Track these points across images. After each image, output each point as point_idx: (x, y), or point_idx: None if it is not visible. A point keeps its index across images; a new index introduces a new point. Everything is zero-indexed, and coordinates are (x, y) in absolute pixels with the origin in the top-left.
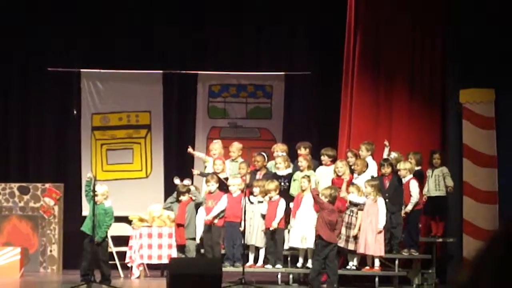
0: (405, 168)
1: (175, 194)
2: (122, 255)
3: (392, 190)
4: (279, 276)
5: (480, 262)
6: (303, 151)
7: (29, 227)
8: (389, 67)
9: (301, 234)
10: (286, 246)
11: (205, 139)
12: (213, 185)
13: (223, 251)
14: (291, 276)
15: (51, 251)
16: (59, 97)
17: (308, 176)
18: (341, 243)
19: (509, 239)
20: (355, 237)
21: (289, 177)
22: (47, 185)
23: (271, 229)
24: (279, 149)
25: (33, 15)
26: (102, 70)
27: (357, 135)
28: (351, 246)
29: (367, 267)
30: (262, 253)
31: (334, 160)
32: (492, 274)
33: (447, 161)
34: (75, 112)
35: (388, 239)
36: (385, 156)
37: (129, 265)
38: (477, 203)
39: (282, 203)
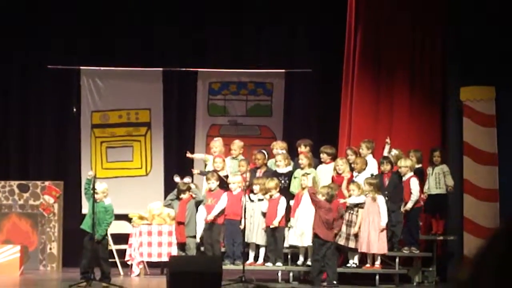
0: (406, 165)
1: (175, 192)
2: (122, 253)
3: (391, 188)
4: (279, 274)
5: (481, 260)
6: (303, 148)
7: (28, 225)
8: (390, 65)
9: (301, 231)
10: (286, 244)
11: (205, 137)
12: (214, 183)
13: (223, 249)
14: (291, 274)
15: (50, 249)
16: (59, 95)
17: (308, 174)
18: (341, 241)
19: (510, 237)
20: (356, 235)
21: (289, 175)
22: (46, 183)
23: (271, 227)
24: (279, 147)
25: (33, 15)
26: (102, 68)
27: (357, 133)
28: (351, 244)
29: (368, 265)
30: (262, 251)
31: (333, 158)
32: (493, 271)
33: (448, 159)
34: (74, 109)
35: (389, 237)
36: (385, 153)
37: (129, 263)
38: (478, 201)
39: (283, 201)
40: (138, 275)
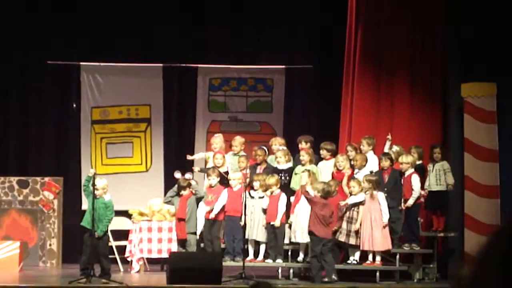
0: (407, 162)
1: (175, 188)
2: (122, 249)
3: (391, 185)
4: (279, 270)
5: (483, 257)
6: (304, 145)
7: (28, 221)
8: (390, 62)
9: (301, 228)
10: (286, 241)
11: (205, 133)
12: (214, 179)
13: (223, 246)
14: (291, 270)
15: (50, 245)
16: (59, 91)
17: (309, 170)
18: (342, 238)
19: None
20: (356, 232)
21: (289, 171)
22: (46, 179)
23: (273, 224)
24: (278, 143)
25: (33, 14)
26: (102, 64)
27: (358, 129)
28: (352, 241)
29: (368, 262)
30: (262, 247)
31: (333, 154)
32: (495, 269)
33: (449, 155)
34: (74, 105)
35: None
36: (386, 149)
37: (129, 259)
38: (479, 197)
39: (283, 197)
40: (138, 271)
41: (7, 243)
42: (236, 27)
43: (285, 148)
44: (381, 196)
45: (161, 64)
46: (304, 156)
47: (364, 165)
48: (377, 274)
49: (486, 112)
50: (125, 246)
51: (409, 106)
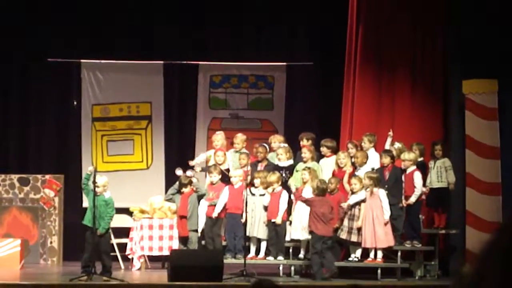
0: (410, 159)
1: (176, 186)
2: (122, 247)
3: (392, 182)
4: (280, 268)
5: (486, 255)
6: (305, 142)
7: (29, 218)
8: (391, 59)
9: (301, 225)
10: (287, 238)
11: (206, 130)
12: (216, 176)
13: (224, 243)
14: (292, 268)
15: (51, 242)
16: (59, 88)
17: (309, 168)
18: (344, 235)
19: None
20: (359, 229)
21: (290, 169)
22: (47, 176)
23: (274, 221)
24: (277, 140)
25: (34, 13)
26: (102, 61)
27: (359, 127)
28: (354, 238)
29: (370, 259)
30: (263, 245)
31: (333, 151)
32: (498, 266)
33: (450, 152)
34: (75, 103)
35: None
36: (387, 146)
37: (130, 256)
38: (480, 195)
39: (285, 195)
40: (139, 269)
41: (8, 240)
42: (237, 27)
43: (286, 145)
44: (382, 193)
45: (161, 62)
46: (305, 153)
47: (365, 162)
48: (379, 271)
49: (488, 109)
50: (126, 244)
51: (410, 103)
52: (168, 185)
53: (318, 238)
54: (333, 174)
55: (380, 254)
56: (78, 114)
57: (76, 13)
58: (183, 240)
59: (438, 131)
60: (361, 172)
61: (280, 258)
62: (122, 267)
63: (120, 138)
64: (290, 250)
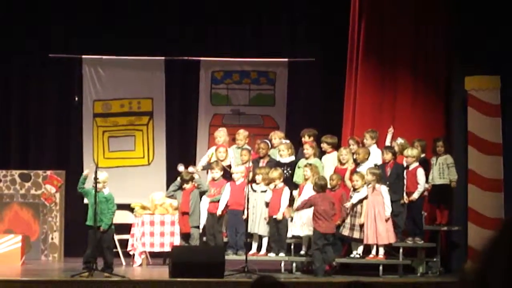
0: (413, 155)
1: (177, 182)
2: (124, 243)
3: (393, 178)
4: (282, 264)
5: (488, 253)
6: (307, 138)
7: (30, 214)
8: (393, 55)
9: (301, 221)
10: (289, 235)
11: (208, 126)
12: (217, 173)
13: (225, 239)
14: (294, 264)
15: (52, 238)
16: (61, 84)
17: (311, 165)
18: (346, 232)
19: None
20: (361, 226)
21: (291, 165)
22: (48, 172)
23: (275, 217)
24: (277, 136)
25: (34, 7)
26: (103, 57)
27: (361, 123)
28: (356, 235)
29: (371, 256)
30: (265, 241)
31: (334, 147)
32: (501, 264)
33: (452, 148)
34: (76, 98)
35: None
36: (387, 142)
37: (131, 253)
38: (482, 191)
39: (287, 191)
40: (140, 265)
41: (9, 236)
42: (238, 23)
43: (288, 141)
44: (384, 189)
45: (163, 58)
46: (308, 150)
47: (367, 159)
48: (380, 268)
49: (490, 105)
50: (127, 240)
51: (412, 99)
52: (169, 181)
53: (320, 235)
54: (335, 171)
55: (382, 250)
56: (79, 110)
57: (77, 8)
58: (185, 236)
59: (440, 128)
60: (362, 168)
61: (282, 254)
62: (124, 263)
63: (121, 134)
64: (292, 247)
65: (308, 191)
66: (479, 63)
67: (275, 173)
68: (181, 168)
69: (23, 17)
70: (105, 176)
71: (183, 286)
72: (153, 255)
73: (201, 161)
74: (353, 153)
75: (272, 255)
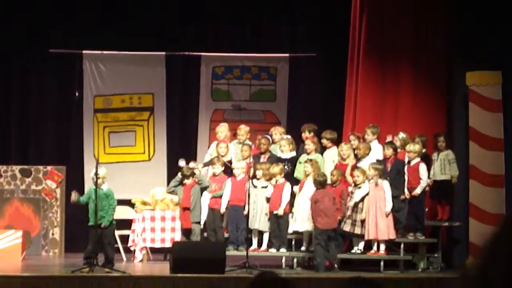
0: (415, 150)
1: (178, 178)
2: (124, 239)
3: (393, 174)
4: (283, 260)
5: (490, 249)
6: (307, 134)
7: (31, 210)
8: (395, 50)
9: (301, 217)
10: (290, 230)
11: (208, 122)
12: (219, 168)
13: (226, 235)
14: (295, 260)
15: (53, 234)
16: (61, 79)
17: (311, 160)
18: (347, 227)
19: None
20: (362, 221)
21: (292, 161)
22: (49, 168)
23: (276, 213)
24: (278, 132)
25: (34, 3)
26: (104, 52)
27: (362, 118)
28: (357, 230)
29: (372, 251)
30: (266, 237)
31: (333, 142)
32: (502, 260)
33: (454, 144)
34: (77, 94)
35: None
36: (389, 139)
37: (132, 248)
38: (484, 187)
39: (288, 187)
40: (141, 260)
41: (9, 232)
42: (238, 19)
43: (289, 137)
44: (386, 184)
45: (163, 53)
46: (309, 145)
47: (367, 154)
48: (381, 263)
49: (491, 101)
50: (128, 236)
51: (414, 95)
52: (170, 176)
53: (321, 230)
54: (336, 167)
55: (383, 246)
56: (80, 105)
57: (77, 3)
58: (186, 232)
59: (442, 123)
60: (363, 164)
61: (283, 250)
62: (124, 259)
63: (122, 130)
64: (293, 242)
65: (308, 187)
66: (480, 58)
67: (276, 168)
68: (182, 163)
69: (23, 13)
70: (104, 172)
71: (184, 282)
72: (154, 250)
73: (206, 161)
74: (354, 149)
75: (273, 250)
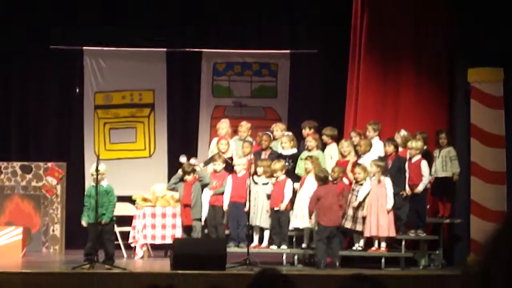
0: (417, 147)
1: (178, 174)
2: (125, 235)
3: (394, 171)
4: (284, 257)
5: (492, 246)
6: (308, 130)
7: (31, 206)
8: (396, 47)
9: (302, 213)
10: (290, 227)
11: (209, 118)
12: (220, 165)
13: (227, 232)
14: (296, 256)
15: (53, 230)
16: (62, 75)
17: (311, 157)
18: (348, 224)
19: None
20: (364, 218)
21: (293, 157)
22: (49, 164)
23: (277, 209)
24: (279, 129)
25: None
26: (105, 48)
27: (363, 115)
28: (359, 227)
29: (373, 248)
30: (267, 234)
31: (333, 138)
32: (504, 256)
33: (456, 140)
34: (77, 90)
35: (394, 220)
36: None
37: (132, 245)
38: (485, 184)
39: (289, 183)
40: (142, 257)
41: (10, 228)
42: (238, 15)
43: (290, 133)
44: (388, 181)
45: (164, 49)
46: (311, 142)
47: (368, 150)
48: (382, 260)
49: (493, 98)
50: (128, 232)
51: (415, 91)
52: (170, 173)
53: (324, 227)
54: (337, 163)
55: (383, 243)
56: (81, 101)
57: (77, 8)
58: (187, 229)
59: (443, 120)
60: (364, 160)
61: (284, 247)
62: (125, 255)
63: (122, 126)
64: (294, 239)
65: (309, 184)
66: (482, 55)
67: (278, 164)
68: (183, 159)
69: (23, 9)
70: (103, 168)
71: (184, 279)
72: (155, 247)
73: (208, 158)
74: (355, 145)
75: (274, 247)
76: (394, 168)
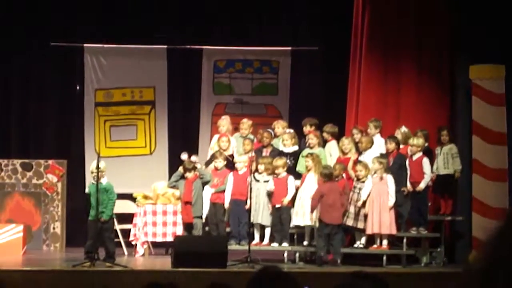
0: (418, 144)
1: (179, 172)
2: (126, 233)
3: (395, 168)
4: (285, 254)
5: (493, 242)
6: (308, 128)
7: (32, 204)
8: (397, 44)
9: (303, 211)
10: (291, 225)
11: (210, 116)
12: (221, 162)
13: (228, 229)
14: (297, 254)
15: (54, 228)
16: (62, 73)
17: (312, 154)
18: (350, 222)
19: None
20: (365, 216)
21: (295, 155)
22: (50, 162)
23: (279, 206)
24: (281, 126)
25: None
26: (105, 45)
27: (364, 112)
28: (360, 225)
29: (375, 246)
30: (268, 231)
31: (334, 136)
32: (506, 253)
33: (457, 138)
34: (78, 87)
35: (395, 218)
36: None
37: (133, 243)
38: (487, 181)
39: (292, 179)
40: (143, 255)
41: (10, 226)
42: (239, 12)
43: (291, 130)
44: (390, 178)
45: (165, 46)
46: (312, 139)
47: (370, 147)
48: (384, 258)
49: (495, 95)
50: (129, 230)
51: (417, 88)
52: (171, 170)
53: (325, 225)
54: (338, 161)
55: (385, 241)
56: (81, 99)
57: (77, 8)
58: (188, 226)
59: (445, 117)
60: (365, 157)
61: (285, 244)
62: (126, 253)
63: (123, 123)
64: (295, 237)
65: (310, 181)
66: (483, 52)
67: (280, 161)
68: (184, 156)
69: (23, 5)
70: (103, 166)
71: (185, 276)
72: (155, 245)
73: (208, 157)
74: (356, 142)
75: (275, 245)
76: (395, 166)
